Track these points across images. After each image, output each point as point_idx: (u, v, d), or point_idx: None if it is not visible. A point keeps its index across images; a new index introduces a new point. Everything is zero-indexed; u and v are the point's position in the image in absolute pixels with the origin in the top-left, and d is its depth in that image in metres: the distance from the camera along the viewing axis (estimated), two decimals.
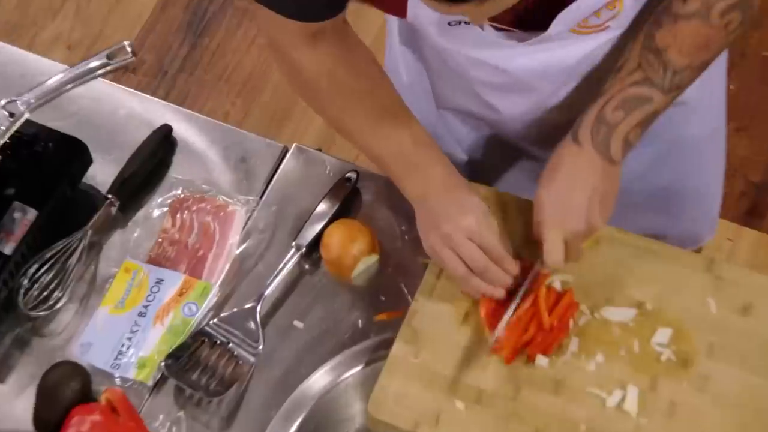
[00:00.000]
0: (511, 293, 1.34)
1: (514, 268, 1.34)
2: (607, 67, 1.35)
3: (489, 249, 1.32)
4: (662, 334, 1.33)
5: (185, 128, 1.66)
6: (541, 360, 1.32)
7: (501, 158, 1.65)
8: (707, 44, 1.28)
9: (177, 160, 1.63)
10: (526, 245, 1.37)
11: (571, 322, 1.34)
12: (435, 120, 1.61)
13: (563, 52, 1.35)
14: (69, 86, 1.49)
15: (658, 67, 1.28)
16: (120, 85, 1.71)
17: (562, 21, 1.27)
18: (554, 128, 1.41)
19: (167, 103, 1.71)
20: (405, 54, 1.58)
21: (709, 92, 1.54)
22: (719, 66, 1.54)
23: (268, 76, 2.85)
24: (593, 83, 1.36)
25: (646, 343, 1.33)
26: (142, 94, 1.71)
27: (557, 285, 1.37)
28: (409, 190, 1.38)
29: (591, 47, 1.35)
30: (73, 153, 1.54)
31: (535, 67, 1.37)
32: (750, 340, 1.32)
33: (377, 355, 1.41)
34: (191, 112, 1.70)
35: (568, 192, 1.30)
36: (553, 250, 1.30)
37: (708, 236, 1.77)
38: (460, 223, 1.32)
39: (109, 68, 1.49)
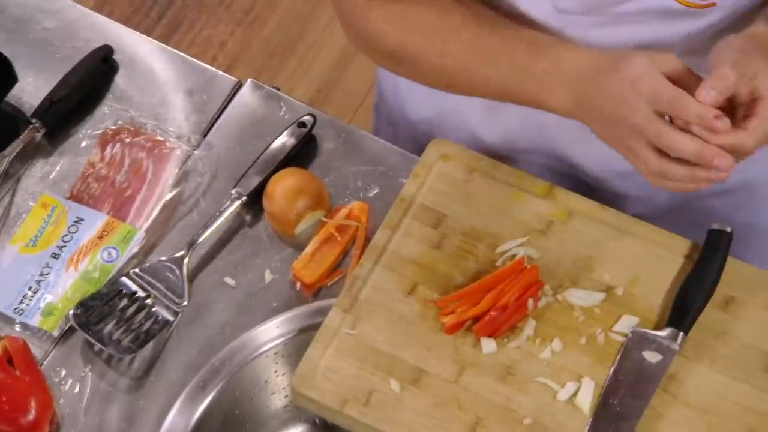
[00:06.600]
0: None
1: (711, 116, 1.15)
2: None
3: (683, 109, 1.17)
4: (626, 323, 1.34)
5: (130, 51, 1.68)
6: (487, 344, 1.34)
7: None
8: None
9: (116, 86, 1.66)
10: None
11: (530, 302, 1.36)
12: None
13: (656, 29, 1.31)
14: None
15: None
16: None
17: None
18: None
19: (113, 21, 1.73)
20: None
21: None
22: None
23: (274, 7, 2.84)
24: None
25: (611, 332, 1.35)
26: (81, 7, 1.72)
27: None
28: (555, 103, 1.27)
29: (689, 28, 1.31)
30: None
31: (615, 45, 1.30)
32: (726, 338, 1.34)
33: (314, 322, 1.42)
34: (138, 33, 1.73)
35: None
36: (724, 72, 1.17)
37: None
38: (641, 110, 1.18)
39: None
